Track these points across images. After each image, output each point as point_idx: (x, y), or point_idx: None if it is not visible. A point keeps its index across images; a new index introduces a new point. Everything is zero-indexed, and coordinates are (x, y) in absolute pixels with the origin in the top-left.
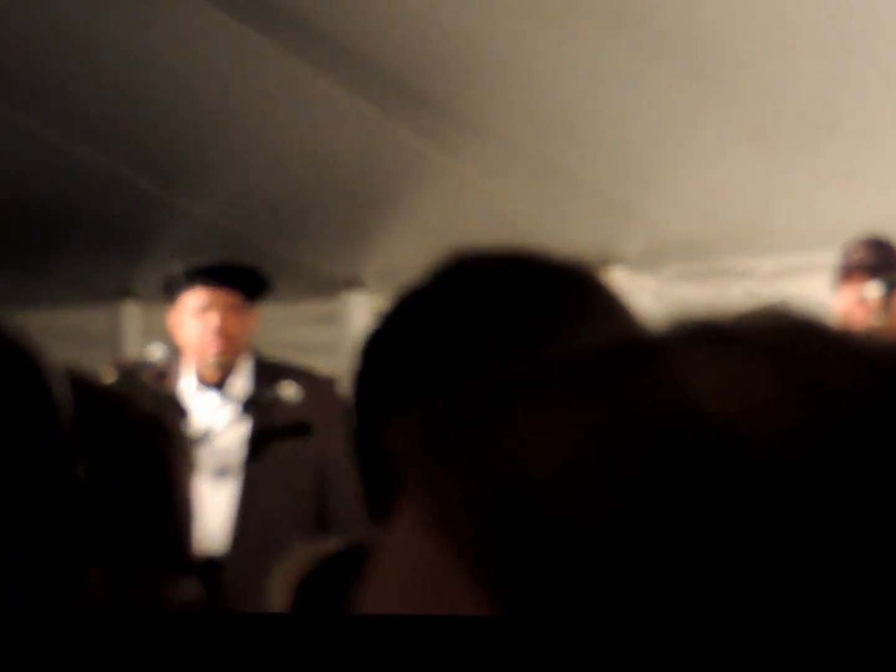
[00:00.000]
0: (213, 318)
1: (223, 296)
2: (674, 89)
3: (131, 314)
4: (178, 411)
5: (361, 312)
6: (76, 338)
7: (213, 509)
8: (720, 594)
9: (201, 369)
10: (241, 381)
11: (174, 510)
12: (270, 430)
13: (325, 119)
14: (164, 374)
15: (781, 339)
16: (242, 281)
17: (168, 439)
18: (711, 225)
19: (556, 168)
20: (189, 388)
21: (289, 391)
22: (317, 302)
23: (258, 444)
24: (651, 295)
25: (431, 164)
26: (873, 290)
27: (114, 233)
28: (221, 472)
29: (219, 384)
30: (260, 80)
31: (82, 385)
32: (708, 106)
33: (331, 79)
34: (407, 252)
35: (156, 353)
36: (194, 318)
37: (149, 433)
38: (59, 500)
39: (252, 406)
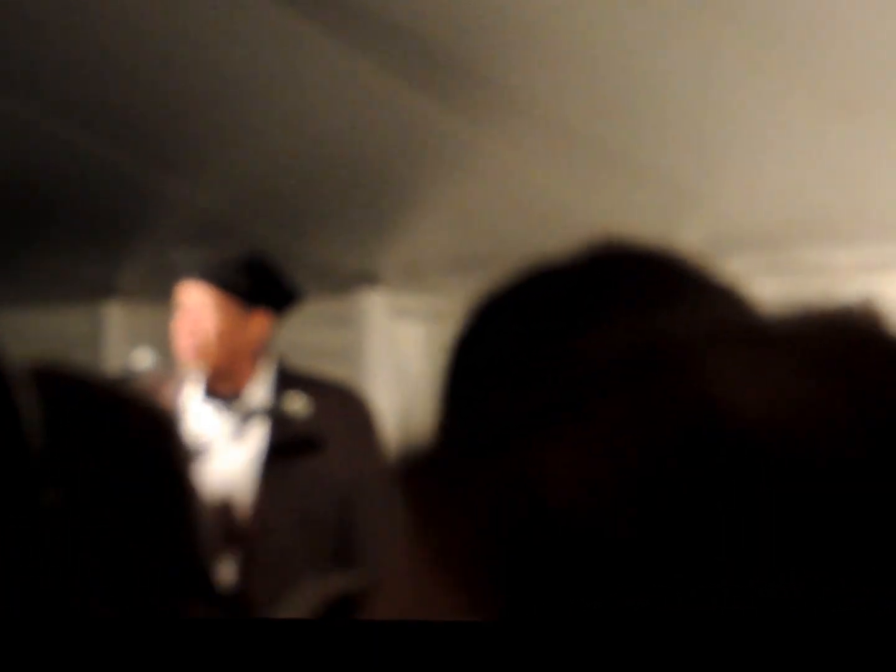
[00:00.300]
0: (184, 316)
1: (207, 294)
2: (747, 56)
3: (115, 315)
4: None
5: (379, 313)
6: (52, 342)
7: None
8: (752, 601)
9: (209, 379)
10: (259, 393)
11: (184, 523)
12: (276, 449)
13: (338, 90)
14: (153, 387)
15: (828, 341)
16: (235, 280)
17: (168, 439)
18: (786, 212)
19: (608, 147)
20: (193, 401)
21: (296, 404)
22: (328, 301)
23: (264, 464)
24: None
25: (462, 141)
26: None
27: (95, 222)
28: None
29: (233, 396)
30: (262, 46)
31: (63, 382)
32: (787, 76)
33: (344, 42)
34: (432, 244)
35: (142, 361)
36: (175, 314)
37: (145, 434)
38: (19, 520)
39: (252, 420)
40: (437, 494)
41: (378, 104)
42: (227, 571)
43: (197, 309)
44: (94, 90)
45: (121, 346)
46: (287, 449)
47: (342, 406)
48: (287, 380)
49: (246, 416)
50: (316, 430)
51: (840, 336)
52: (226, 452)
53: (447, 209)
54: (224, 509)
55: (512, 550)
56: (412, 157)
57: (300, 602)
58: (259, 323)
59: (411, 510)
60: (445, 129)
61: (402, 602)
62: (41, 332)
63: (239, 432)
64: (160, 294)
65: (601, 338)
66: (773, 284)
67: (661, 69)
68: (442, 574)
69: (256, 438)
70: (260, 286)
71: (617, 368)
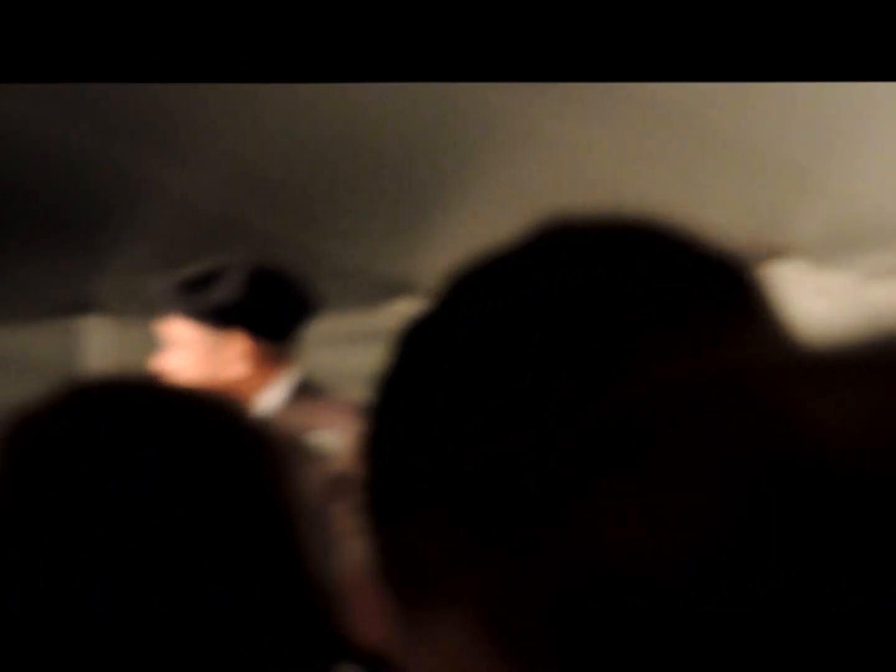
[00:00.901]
0: (162, 354)
1: (176, 325)
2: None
3: (96, 333)
4: None
5: None
6: (21, 365)
7: None
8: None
9: None
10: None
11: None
12: None
13: None
14: None
15: None
16: (193, 304)
17: (277, 455)
18: None
19: (701, 124)
20: None
21: (324, 438)
22: (355, 314)
23: None
24: (836, 297)
25: (518, 118)
26: None
27: (72, 223)
28: None
29: None
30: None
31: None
32: None
33: None
34: (480, 245)
35: None
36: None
37: (237, 449)
38: None
39: None
40: (475, 576)
41: None
42: None
43: (171, 343)
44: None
45: (101, 365)
46: None
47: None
48: (297, 408)
49: None
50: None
51: None
52: None
53: (498, 202)
54: None
55: (577, 622)
56: (457, 140)
57: None
58: (239, 347)
59: (455, 603)
60: (497, 104)
61: None
62: (9, 353)
63: None
64: (145, 307)
65: (645, 369)
66: None
67: None
68: (504, 662)
69: None
70: (225, 306)
71: (671, 403)
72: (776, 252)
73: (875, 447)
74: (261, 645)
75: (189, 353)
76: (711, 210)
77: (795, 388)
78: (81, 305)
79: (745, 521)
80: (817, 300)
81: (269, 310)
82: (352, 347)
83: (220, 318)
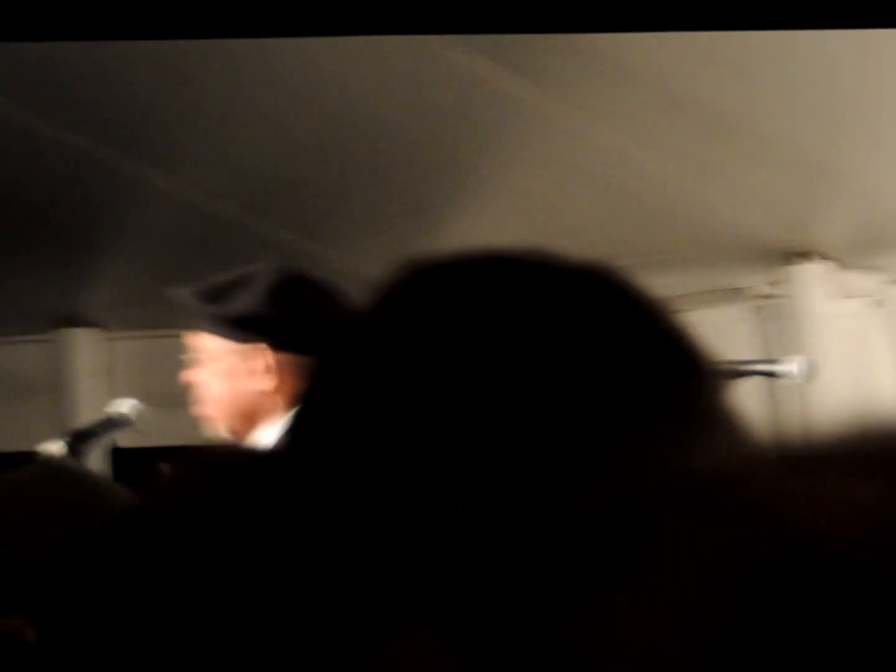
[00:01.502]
0: (189, 371)
1: (198, 334)
2: None
3: (83, 347)
4: None
5: None
6: (7, 380)
7: None
8: None
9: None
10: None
11: None
12: None
13: (372, 49)
14: None
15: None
16: (210, 317)
17: None
18: None
19: (722, 112)
20: None
21: None
22: None
23: None
24: (867, 300)
25: (534, 112)
26: None
27: (60, 233)
28: None
29: None
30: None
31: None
32: None
33: None
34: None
35: (124, 409)
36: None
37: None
38: None
39: None
40: None
41: (425, 67)
42: None
43: (195, 355)
44: (64, 80)
45: (94, 389)
46: None
47: None
48: None
49: None
50: None
51: None
52: None
53: (513, 205)
54: None
55: None
56: (466, 135)
57: None
58: (264, 360)
59: None
60: (510, 96)
61: None
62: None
63: None
64: (134, 321)
65: (635, 471)
66: None
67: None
68: None
69: None
70: (247, 318)
71: (664, 506)
72: (803, 253)
73: (869, 539)
74: (261, 645)
75: (213, 365)
76: (739, 212)
77: (791, 486)
78: (69, 319)
79: (748, 620)
80: (844, 302)
81: (294, 321)
82: None
83: (241, 330)
